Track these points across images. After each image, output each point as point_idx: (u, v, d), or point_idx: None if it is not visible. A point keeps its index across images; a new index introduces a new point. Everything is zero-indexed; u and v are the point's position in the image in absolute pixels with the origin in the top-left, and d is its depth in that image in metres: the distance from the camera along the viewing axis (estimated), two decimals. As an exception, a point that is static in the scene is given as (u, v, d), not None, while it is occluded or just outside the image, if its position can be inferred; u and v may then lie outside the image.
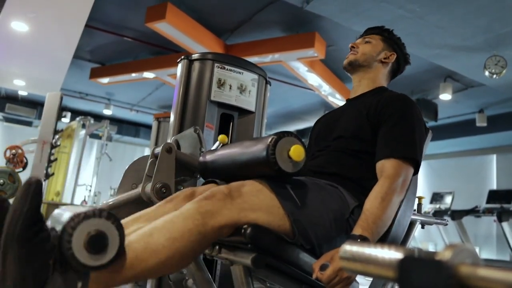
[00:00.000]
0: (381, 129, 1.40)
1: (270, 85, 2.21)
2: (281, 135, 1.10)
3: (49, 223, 0.88)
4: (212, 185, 1.33)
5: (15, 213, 0.82)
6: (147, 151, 11.13)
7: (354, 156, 1.42)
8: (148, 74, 6.43)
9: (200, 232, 1.00)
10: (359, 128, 1.45)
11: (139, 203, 1.56)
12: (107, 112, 9.15)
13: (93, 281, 0.87)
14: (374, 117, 1.42)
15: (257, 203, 1.08)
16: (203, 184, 1.40)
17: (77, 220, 0.82)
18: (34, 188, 0.83)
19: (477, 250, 7.55)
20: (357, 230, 1.17)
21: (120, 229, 0.86)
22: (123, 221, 1.15)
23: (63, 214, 0.86)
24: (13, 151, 4.28)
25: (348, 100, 1.67)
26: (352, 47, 1.64)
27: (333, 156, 1.46)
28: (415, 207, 1.54)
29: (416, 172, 1.37)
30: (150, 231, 0.98)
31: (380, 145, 1.37)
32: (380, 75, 1.62)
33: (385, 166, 1.31)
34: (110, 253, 0.85)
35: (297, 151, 1.08)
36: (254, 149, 1.15)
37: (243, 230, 1.04)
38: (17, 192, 0.85)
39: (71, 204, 6.45)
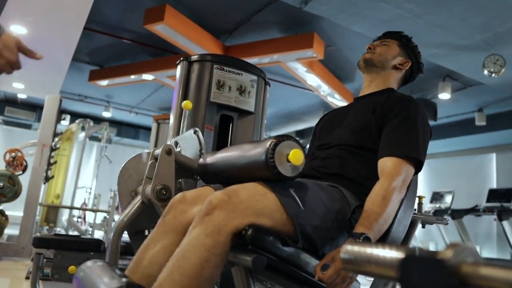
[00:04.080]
0: (385, 127, 1.40)
1: (269, 86, 2.21)
2: (280, 139, 1.10)
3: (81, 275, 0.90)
4: (206, 188, 1.33)
5: None
6: (146, 153, 11.11)
7: (357, 154, 1.42)
8: (147, 76, 6.43)
9: (215, 253, 1.02)
10: (364, 123, 1.45)
11: (147, 212, 1.56)
12: (107, 114, 9.15)
13: None
14: (380, 116, 1.43)
15: (260, 208, 1.08)
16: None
17: None
18: None
19: (477, 249, 7.54)
20: (358, 228, 1.17)
21: None
22: (136, 258, 1.20)
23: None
24: (13, 154, 4.28)
25: (356, 99, 1.67)
26: (369, 48, 1.64)
27: (335, 156, 1.45)
28: (416, 206, 1.54)
29: (417, 171, 1.37)
30: (172, 278, 1.01)
31: (382, 143, 1.38)
32: (392, 79, 1.62)
33: (386, 165, 1.31)
34: None
35: (296, 155, 1.08)
36: (253, 153, 1.15)
37: (243, 232, 1.04)
38: None
39: (71, 206, 6.44)
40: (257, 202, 1.08)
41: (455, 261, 0.39)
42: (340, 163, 1.42)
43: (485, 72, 4.55)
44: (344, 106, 1.72)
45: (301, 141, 1.18)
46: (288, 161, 1.08)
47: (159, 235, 1.24)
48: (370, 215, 1.20)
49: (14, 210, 6.50)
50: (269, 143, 1.09)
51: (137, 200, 1.62)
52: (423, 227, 1.59)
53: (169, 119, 2.08)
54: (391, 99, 1.46)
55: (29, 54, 1.35)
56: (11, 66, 1.33)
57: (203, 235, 1.02)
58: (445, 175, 8.87)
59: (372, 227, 1.17)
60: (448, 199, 6.97)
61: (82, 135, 7.12)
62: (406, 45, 1.64)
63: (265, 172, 1.11)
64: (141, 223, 1.54)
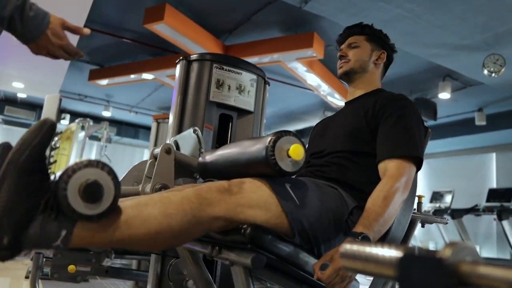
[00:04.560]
0: (380, 128, 1.40)
1: (269, 85, 2.21)
2: (280, 134, 1.10)
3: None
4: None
5: (24, 144, 0.85)
6: (146, 152, 11.14)
7: (353, 160, 1.41)
8: (147, 76, 6.43)
9: (194, 216, 0.99)
10: (355, 127, 1.45)
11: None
12: (106, 113, 9.15)
13: (76, 234, 0.87)
14: (372, 117, 1.42)
15: (255, 199, 1.08)
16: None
17: (74, 168, 0.85)
18: (48, 127, 0.86)
19: (477, 248, 7.55)
20: (357, 228, 1.17)
21: (116, 181, 0.88)
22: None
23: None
24: (12, 153, 4.27)
25: (346, 103, 1.67)
26: (341, 56, 1.62)
27: (332, 163, 1.45)
28: (415, 206, 1.54)
29: (418, 169, 1.36)
30: (146, 201, 0.98)
31: (380, 145, 1.37)
32: (375, 77, 1.62)
33: (388, 166, 1.31)
34: (104, 204, 0.87)
35: (296, 150, 1.08)
36: (253, 149, 1.14)
37: (242, 230, 1.04)
38: (31, 127, 0.88)
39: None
40: (252, 194, 1.08)
41: (454, 260, 0.39)
42: (338, 170, 1.41)
43: (485, 71, 4.55)
44: (336, 112, 1.72)
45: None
46: (289, 156, 1.08)
47: None
48: (370, 214, 1.19)
49: (14, 209, 6.48)
50: (269, 139, 1.09)
51: (134, 188, 1.61)
52: (423, 226, 1.59)
53: (168, 118, 2.08)
54: (382, 99, 1.45)
55: (77, 31, 1.35)
56: (65, 51, 1.33)
57: (194, 195, 1.01)
58: (445, 175, 8.87)
59: (372, 227, 1.17)
60: (448, 198, 6.97)
61: (82, 134, 7.12)
62: (373, 35, 1.63)
63: (265, 168, 1.10)
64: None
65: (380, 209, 1.20)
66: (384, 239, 1.35)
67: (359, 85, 1.61)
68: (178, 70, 2.07)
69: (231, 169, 1.27)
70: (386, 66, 1.68)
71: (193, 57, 2.05)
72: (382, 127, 1.39)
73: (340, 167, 1.42)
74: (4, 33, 1.33)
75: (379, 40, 1.63)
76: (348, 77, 1.61)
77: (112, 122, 9.66)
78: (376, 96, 1.49)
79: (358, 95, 1.61)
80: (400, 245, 1.23)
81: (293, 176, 1.19)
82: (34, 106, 9.28)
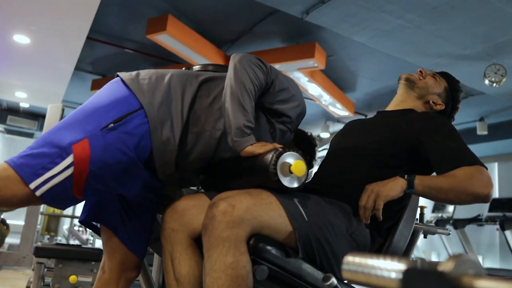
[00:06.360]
0: (428, 143, 1.35)
1: (270, 95, 2.21)
2: (283, 150, 1.10)
3: None
4: (199, 195, 1.32)
5: None
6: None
7: (362, 167, 1.40)
8: (149, 85, 6.44)
9: (241, 266, 1.03)
10: (383, 139, 1.43)
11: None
12: (108, 123, 9.15)
13: None
14: (408, 131, 1.40)
15: (266, 219, 1.08)
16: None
17: None
18: None
19: (480, 259, 7.50)
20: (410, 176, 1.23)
21: None
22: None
23: None
24: (15, 163, 4.27)
25: (378, 112, 1.66)
26: (420, 71, 1.63)
27: (336, 166, 1.45)
28: (417, 216, 1.54)
29: None
30: None
31: (439, 157, 1.33)
32: (418, 109, 1.59)
33: (459, 170, 1.29)
34: None
35: (299, 167, 1.08)
36: (256, 163, 1.15)
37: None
38: None
39: (72, 216, 6.43)
40: (262, 212, 1.08)
41: (456, 273, 0.39)
42: (344, 176, 1.40)
43: (486, 81, 4.56)
44: (368, 118, 1.70)
45: (302, 151, 1.18)
46: (291, 172, 1.09)
47: (169, 255, 1.24)
48: (426, 179, 1.25)
49: (15, 219, 6.48)
50: (272, 154, 1.09)
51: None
52: (425, 237, 1.59)
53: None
54: (419, 116, 1.45)
55: None
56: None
57: (223, 256, 1.02)
58: (447, 185, 8.83)
59: (422, 184, 1.22)
60: (450, 208, 6.95)
61: (84, 144, 7.11)
62: (451, 92, 1.62)
63: (267, 183, 1.11)
64: (155, 229, 1.53)
65: (440, 181, 1.25)
66: (387, 250, 1.34)
67: (405, 101, 1.59)
68: (180, 80, 2.07)
69: (233, 182, 1.27)
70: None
71: (196, 67, 2.06)
72: (432, 141, 1.35)
73: (349, 172, 1.40)
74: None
75: (450, 98, 1.62)
76: (406, 83, 1.61)
77: (114, 131, 9.67)
78: (411, 113, 1.50)
79: (393, 109, 1.60)
80: (402, 257, 1.23)
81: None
82: (37, 116, 9.30)
